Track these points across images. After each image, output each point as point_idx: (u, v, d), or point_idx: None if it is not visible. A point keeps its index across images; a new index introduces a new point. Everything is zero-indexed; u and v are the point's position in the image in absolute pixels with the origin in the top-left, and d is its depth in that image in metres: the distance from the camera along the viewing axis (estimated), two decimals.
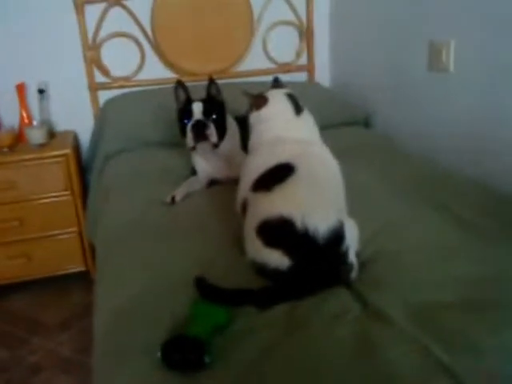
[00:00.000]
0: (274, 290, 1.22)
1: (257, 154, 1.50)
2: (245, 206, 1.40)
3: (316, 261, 1.20)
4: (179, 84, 1.92)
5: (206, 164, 2.00)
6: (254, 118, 1.57)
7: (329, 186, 1.36)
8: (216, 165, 1.99)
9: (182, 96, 1.92)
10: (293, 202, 1.25)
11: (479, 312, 1.12)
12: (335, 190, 1.38)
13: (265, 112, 1.54)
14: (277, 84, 1.73)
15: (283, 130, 1.51)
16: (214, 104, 1.90)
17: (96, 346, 1.23)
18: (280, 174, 1.33)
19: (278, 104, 1.55)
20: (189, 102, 1.89)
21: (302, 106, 1.58)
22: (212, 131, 1.84)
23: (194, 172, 2.03)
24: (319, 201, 1.27)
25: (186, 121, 1.86)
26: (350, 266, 1.25)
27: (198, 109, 1.85)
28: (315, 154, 1.46)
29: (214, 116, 1.86)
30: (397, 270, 1.30)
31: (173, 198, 1.81)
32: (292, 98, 1.57)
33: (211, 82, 1.92)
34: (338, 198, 1.36)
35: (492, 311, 1.13)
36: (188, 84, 1.95)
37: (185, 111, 1.88)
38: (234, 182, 1.66)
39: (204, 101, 1.88)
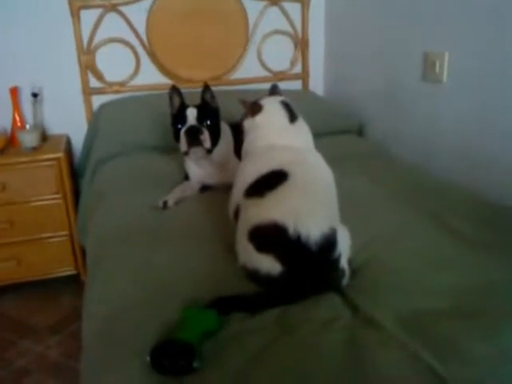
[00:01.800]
0: (265, 295, 1.22)
1: (250, 160, 1.51)
2: (238, 212, 1.40)
3: (308, 267, 1.20)
4: (174, 89, 1.93)
5: (198, 169, 2.00)
6: (249, 124, 1.58)
7: (322, 192, 1.36)
8: (209, 170, 1.99)
9: (177, 101, 1.92)
10: (285, 208, 1.25)
11: (469, 320, 1.13)
12: (328, 196, 1.38)
13: (259, 119, 1.55)
14: (274, 91, 1.74)
15: (277, 138, 1.52)
16: (209, 110, 1.90)
17: (84, 350, 1.22)
18: (273, 180, 1.33)
19: (272, 111, 1.56)
20: (183, 107, 1.89)
21: (296, 113, 1.58)
22: (205, 137, 1.84)
23: (187, 177, 2.04)
24: (312, 207, 1.27)
25: (179, 126, 1.86)
26: (341, 273, 1.26)
27: (192, 114, 1.86)
28: (309, 161, 1.46)
29: (207, 122, 1.86)
30: (388, 277, 1.31)
31: (165, 203, 1.81)
32: (287, 105, 1.58)
33: (206, 88, 1.92)
34: (331, 204, 1.36)
35: (482, 319, 1.13)
36: (183, 90, 1.95)
37: (179, 116, 1.88)
38: (226, 188, 1.67)
39: (198, 107, 1.88)
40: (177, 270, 1.37)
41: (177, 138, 1.88)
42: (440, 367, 0.98)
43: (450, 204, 1.76)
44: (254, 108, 1.56)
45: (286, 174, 1.33)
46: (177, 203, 1.84)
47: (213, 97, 1.93)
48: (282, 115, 1.55)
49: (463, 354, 1.02)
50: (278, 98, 1.62)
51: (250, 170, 1.43)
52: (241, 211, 1.37)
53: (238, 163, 1.67)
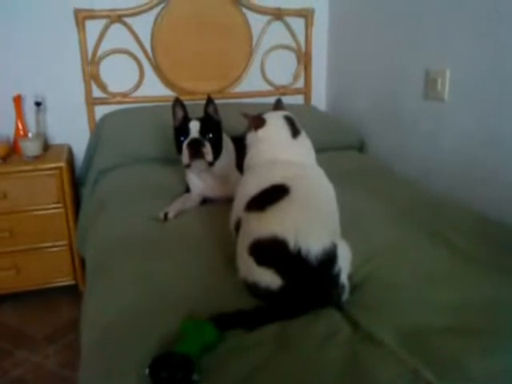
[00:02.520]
0: (264, 309, 1.21)
1: (252, 174, 1.51)
2: (238, 226, 1.40)
3: (308, 282, 1.20)
4: (177, 102, 1.94)
5: (199, 182, 2.00)
6: (251, 138, 1.59)
7: (323, 207, 1.36)
8: (210, 183, 2.00)
9: (180, 114, 1.93)
10: (286, 222, 1.25)
11: (469, 337, 1.12)
12: (329, 212, 1.38)
13: (262, 133, 1.56)
14: (278, 105, 1.75)
15: (279, 152, 1.52)
16: (211, 123, 1.91)
17: (83, 360, 1.21)
18: (274, 194, 1.32)
19: (275, 126, 1.57)
20: (186, 119, 1.90)
21: (299, 128, 1.59)
22: (208, 150, 1.85)
23: (188, 189, 2.04)
24: (313, 222, 1.27)
25: (182, 138, 1.87)
26: (341, 288, 1.26)
27: (194, 127, 1.86)
28: (310, 176, 1.46)
29: (210, 135, 1.87)
30: (388, 294, 1.31)
31: (165, 215, 1.81)
32: (290, 120, 1.58)
33: (209, 100, 1.93)
34: (331, 219, 1.36)
35: (482, 336, 1.13)
36: (185, 102, 1.96)
37: (182, 129, 1.89)
38: (227, 201, 1.67)
39: (201, 119, 1.89)
40: (176, 282, 1.37)
41: (179, 150, 1.88)
42: None
43: (450, 221, 1.76)
44: (257, 122, 1.57)
45: (288, 189, 1.33)
46: (177, 215, 1.84)
47: (215, 109, 1.94)
48: (284, 130, 1.55)
49: (463, 371, 1.02)
50: (282, 113, 1.62)
51: (252, 184, 1.43)
52: (241, 225, 1.37)
53: (239, 177, 1.67)
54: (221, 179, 1.98)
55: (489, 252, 1.52)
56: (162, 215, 1.81)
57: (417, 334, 1.14)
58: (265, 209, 1.30)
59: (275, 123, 1.57)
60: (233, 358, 1.06)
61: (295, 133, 1.56)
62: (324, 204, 1.39)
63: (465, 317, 1.20)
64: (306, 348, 1.09)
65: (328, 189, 1.47)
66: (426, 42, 2.29)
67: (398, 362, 1.04)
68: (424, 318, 1.20)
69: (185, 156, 1.86)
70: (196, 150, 1.84)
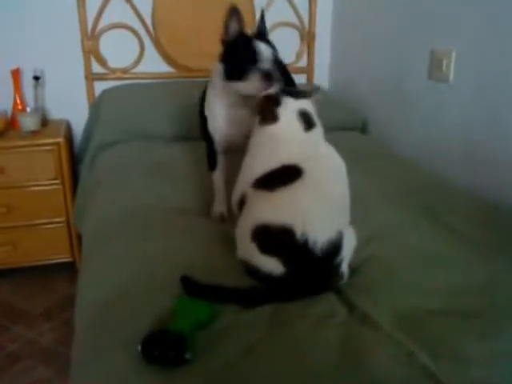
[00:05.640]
0: (261, 291, 1.19)
1: (263, 150, 1.35)
2: (242, 202, 1.33)
3: (310, 271, 1.17)
4: (234, 10, 1.58)
5: (227, 119, 1.65)
6: (260, 135, 1.39)
7: (335, 193, 1.29)
8: (241, 121, 1.61)
9: (234, 26, 1.58)
10: (296, 209, 1.19)
11: (466, 320, 1.12)
12: (341, 196, 1.30)
13: (273, 129, 1.36)
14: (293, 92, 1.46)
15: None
16: (277, 53, 1.56)
17: (76, 336, 1.21)
18: (286, 176, 1.23)
19: (288, 122, 1.36)
20: (246, 38, 1.55)
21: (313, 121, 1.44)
22: (277, 86, 1.45)
23: (212, 166, 1.74)
24: (323, 211, 1.21)
25: (245, 64, 1.49)
26: (340, 277, 1.23)
27: (267, 53, 1.48)
28: (324, 157, 1.35)
29: (281, 69, 1.52)
30: (386, 276, 1.29)
31: (221, 215, 1.63)
32: (304, 115, 1.40)
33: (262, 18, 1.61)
34: (343, 205, 1.29)
35: (479, 319, 1.12)
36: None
37: (245, 50, 1.51)
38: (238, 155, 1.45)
39: (268, 43, 1.52)
40: (172, 261, 1.34)
41: (239, 74, 1.50)
42: (435, 367, 0.97)
43: (450, 204, 1.75)
44: (268, 116, 1.36)
45: (301, 171, 1.23)
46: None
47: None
48: (297, 126, 1.36)
49: (459, 355, 1.01)
50: (297, 105, 1.39)
51: (263, 160, 1.32)
52: (246, 202, 1.30)
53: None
54: (249, 120, 1.51)
55: (489, 236, 1.51)
56: (217, 216, 1.63)
57: (413, 316, 1.13)
58: (275, 190, 1.22)
59: (288, 120, 1.37)
60: (227, 336, 1.05)
61: (309, 126, 1.40)
62: (337, 188, 1.30)
63: (463, 300, 1.19)
64: (302, 329, 1.08)
65: (341, 168, 1.36)
66: (433, 23, 2.25)
67: (393, 345, 1.03)
68: (421, 301, 1.19)
69: (252, 83, 1.46)
70: (267, 86, 1.44)
